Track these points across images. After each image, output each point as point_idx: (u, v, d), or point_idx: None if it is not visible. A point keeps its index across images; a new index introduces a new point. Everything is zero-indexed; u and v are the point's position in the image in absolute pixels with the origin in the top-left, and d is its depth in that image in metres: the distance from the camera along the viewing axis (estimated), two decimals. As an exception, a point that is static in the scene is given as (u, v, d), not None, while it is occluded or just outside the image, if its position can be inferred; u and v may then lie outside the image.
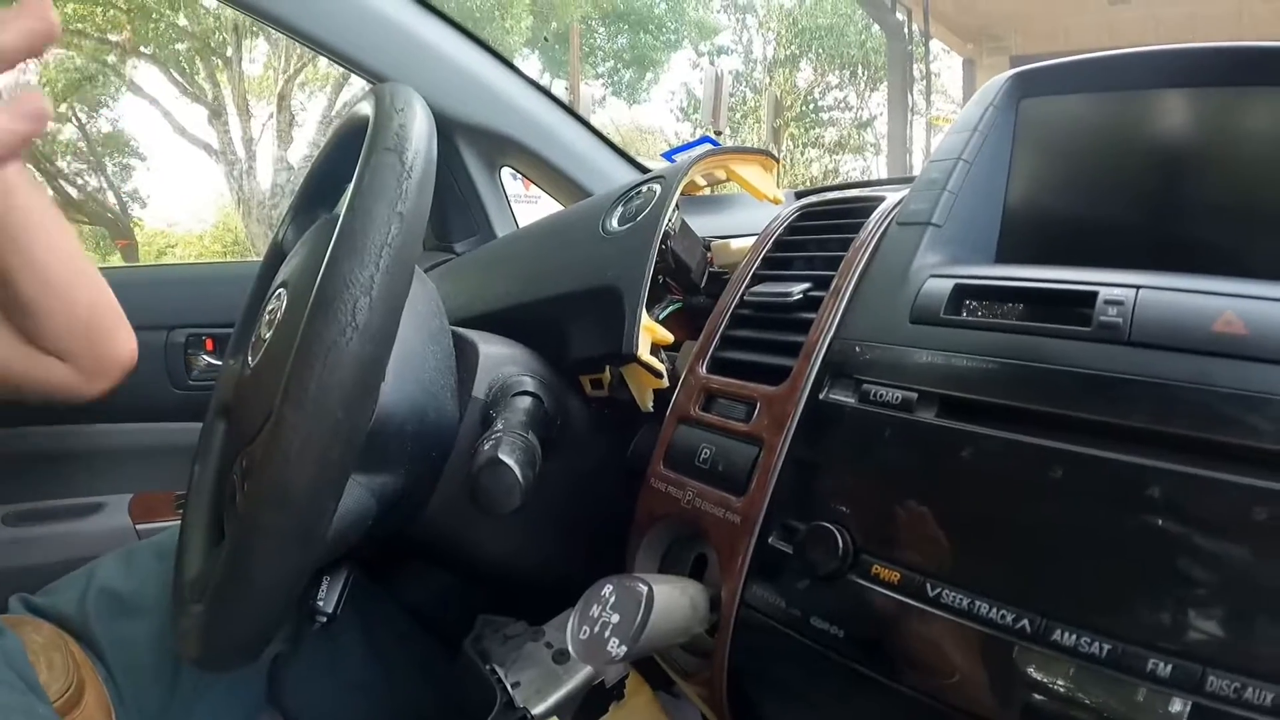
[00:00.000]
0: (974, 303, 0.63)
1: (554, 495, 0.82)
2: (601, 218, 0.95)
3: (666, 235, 0.88)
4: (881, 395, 0.62)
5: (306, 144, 15.41)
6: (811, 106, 18.07)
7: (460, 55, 1.64)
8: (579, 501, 0.88)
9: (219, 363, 1.64)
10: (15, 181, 0.91)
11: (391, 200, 0.61)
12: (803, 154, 17.62)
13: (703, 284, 0.94)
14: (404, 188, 0.62)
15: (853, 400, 0.64)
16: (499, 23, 14.54)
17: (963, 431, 0.58)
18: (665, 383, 0.81)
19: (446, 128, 1.66)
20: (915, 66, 11.77)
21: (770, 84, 17.30)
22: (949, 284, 0.64)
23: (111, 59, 15.56)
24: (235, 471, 0.74)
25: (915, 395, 0.61)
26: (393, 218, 0.61)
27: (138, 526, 1.58)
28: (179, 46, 15.36)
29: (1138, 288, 0.56)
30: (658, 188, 0.93)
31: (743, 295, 0.80)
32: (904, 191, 0.78)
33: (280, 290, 0.83)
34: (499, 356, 0.89)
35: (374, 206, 0.61)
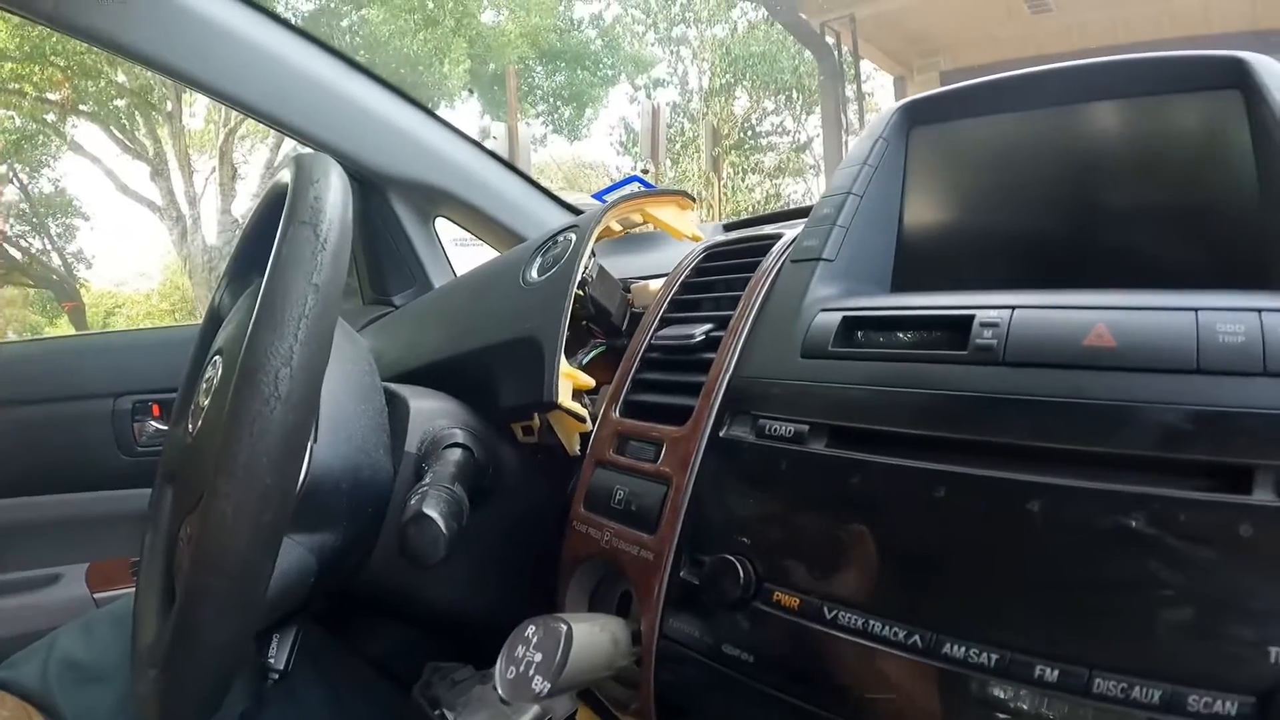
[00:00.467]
0: (862, 334, 0.66)
1: (493, 541, 0.84)
2: (522, 268, 0.97)
3: (584, 282, 0.91)
4: (776, 429, 0.66)
5: (250, 196, 15.30)
6: (750, 133, 18.16)
7: (389, 111, 1.68)
8: (518, 545, 0.90)
9: (166, 428, 1.65)
10: None
11: (307, 272, 0.64)
12: (744, 180, 17.67)
13: (624, 327, 0.97)
14: (319, 260, 0.65)
15: (750, 436, 0.68)
16: (438, 67, 14.55)
17: (851, 460, 0.61)
18: (589, 426, 0.83)
19: (379, 183, 1.69)
20: (848, 87, 11.91)
21: (707, 113, 17.37)
22: (837, 317, 0.67)
23: (51, 118, 15.40)
24: (181, 537, 0.76)
25: (807, 428, 0.64)
26: (309, 289, 0.63)
27: (95, 595, 1.60)
28: (118, 103, 15.23)
29: (1013, 308, 0.60)
30: (573, 236, 0.94)
31: (651, 338, 0.83)
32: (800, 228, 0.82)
33: (216, 358, 0.85)
34: (430, 410, 0.91)
35: (290, 279, 0.63)
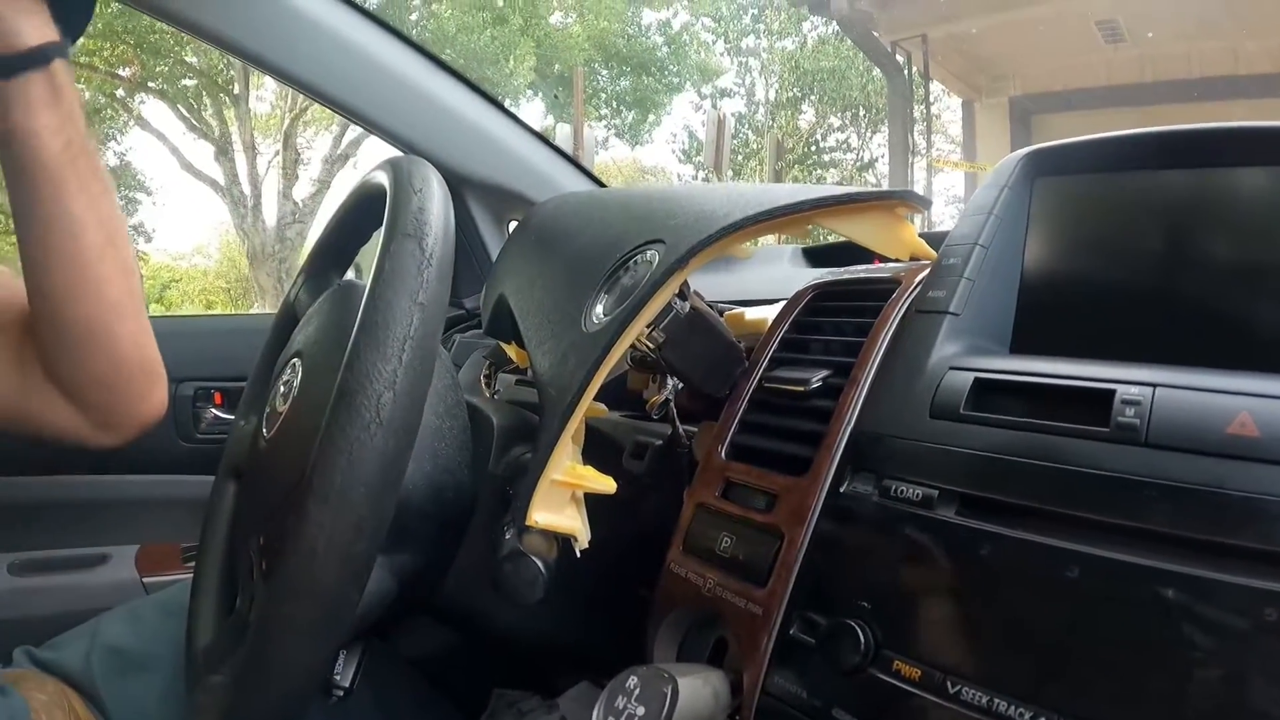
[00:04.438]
0: (995, 398, 0.63)
1: (575, 573, 0.82)
2: (589, 299, 0.79)
3: (659, 338, 0.77)
4: (902, 491, 0.63)
5: (311, 181, 15.53)
6: (814, 149, 18.19)
7: (469, 110, 1.68)
8: (600, 579, 0.86)
9: (228, 417, 1.65)
10: (70, 168, 0.84)
11: (412, 290, 0.62)
12: (805, 196, 17.71)
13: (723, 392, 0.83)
14: (424, 276, 0.63)
15: (873, 495, 0.65)
16: (503, 64, 14.67)
17: (982, 531, 0.58)
18: (584, 540, 0.73)
19: (456, 184, 1.68)
20: (916, 108, 11.87)
21: (773, 126, 17.39)
22: (969, 378, 0.65)
23: (120, 93, 15.70)
24: (252, 547, 0.74)
25: (936, 493, 0.61)
26: (414, 309, 0.61)
27: (144, 579, 1.60)
28: (187, 83, 15.51)
29: (1154, 386, 0.57)
30: (655, 256, 0.75)
31: (761, 378, 0.80)
32: (921, 271, 0.79)
33: (295, 360, 0.84)
34: (514, 430, 0.89)
35: (394, 297, 0.61)
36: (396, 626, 1.13)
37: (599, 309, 0.77)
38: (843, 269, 0.90)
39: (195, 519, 1.48)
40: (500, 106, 1.73)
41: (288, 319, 1.00)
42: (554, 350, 0.78)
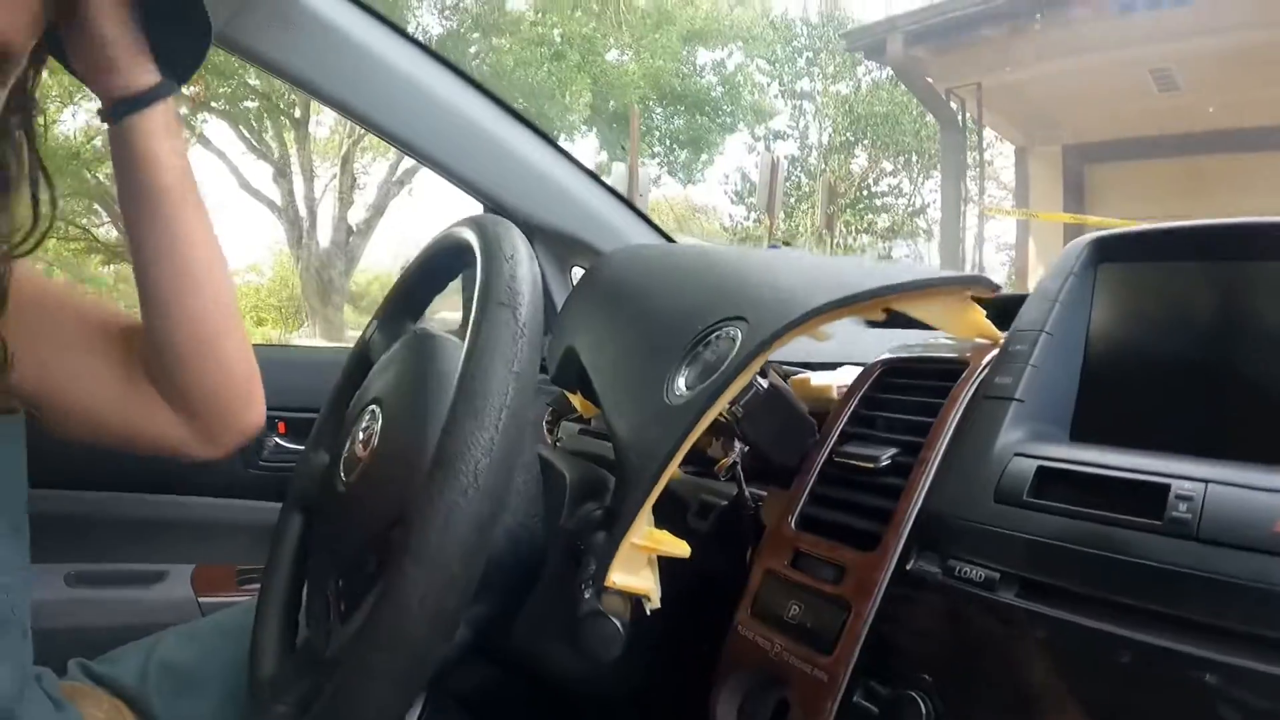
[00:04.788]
0: (1057, 487, 0.66)
1: (642, 627, 0.84)
2: (671, 370, 0.81)
3: (739, 412, 0.83)
4: (966, 572, 0.66)
5: (365, 207, 15.71)
6: (866, 193, 18.09)
7: (538, 157, 1.71)
8: (663, 634, 0.87)
9: (290, 445, 1.69)
10: (184, 191, 0.90)
11: (508, 359, 0.65)
12: (855, 240, 17.62)
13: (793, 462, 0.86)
14: (519, 346, 0.66)
15: (938, 573, 0.68)
16: (559, 99, 14.80)
17: (1040, 614, 0.61)
18: (654, 599, 0.76)
19: (524, 231, 1.72)
20: (968, 154, 11.83)
21: (825, 170, 17.34)
22: (1032, 465, 0.68)
23: (184, 111, 15.98)
24: (329, 587, 0.78)
25: (998, 575, 0.64)
26: (510, 378, 0.64)
27: (200, 599, 1.62)
28: (249, 104, 15.76)
29: (1207, 482, 0.60)
30: (738, 334, 0.78)
31: (831, 453, 0.83)
32: (987, 352, 0.82)
33: (374, 407, 0.86)
34: (585, 485, 0.93)
35: (491, 366, 0.64)
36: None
37: (681, 382, 0.79)
38: (909, 341, 0.93)
39: (253, 543, 1.51)
40: (567, 154, 1.76)
41: (361, 360, 1.02)
42: (635, 417, 0.82)
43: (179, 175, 0.88)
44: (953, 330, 0.84)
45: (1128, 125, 9.90)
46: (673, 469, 0.73)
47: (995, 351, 0.82)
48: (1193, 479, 0.60)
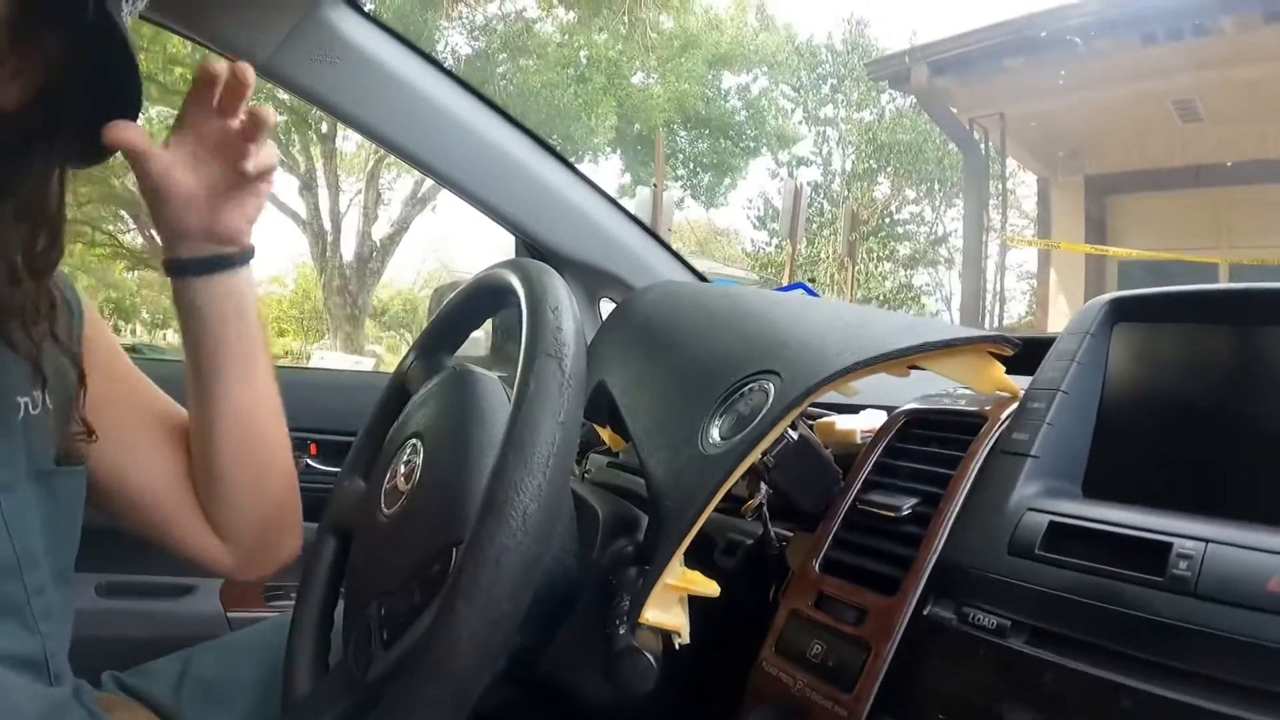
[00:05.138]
0: (1066, 542, 0.70)
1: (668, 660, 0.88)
2: (705, 421, 0.87)
3: (768, 463, 0.87)
4: (979, 619, 0.70)
5: (389, 222, 15.82)
6: (888, 220, 18.14)
7: (568, 191, 1.76)
8: (687, 668, 0.89)
9: (320, 467, 1.74)
10: (248, 351, 0.93)
11: (555, 410, 0.68)
12: (877, 267, 17.63)
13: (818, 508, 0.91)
14: (564, 396, 0.69)
15: (953, 619, 0.72)
16: (585, 121, 14.88)
17: (1048, 661, 0.65)
18: (684, 634, 0.80)
19: (554, 263, 1.76)
20: (991, 184, 11.81)
21: (848, 197, 17.35)
22: (1044, 521, 0.72)
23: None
24: (370, 612, 0.80)
25: (1009, 623, 0.68)
26: (556, 428, 0.67)
27: (228, 614, 1.65)
28: (277, 118, 15.88)
29: (1207, 541, 0.63)
30: (771, 389, 0.83)
31: (855, 501, 0.87)
32: (1004, 406, 0.86)
33: (415, 441, 0.89)
34: (616, 521, 0.95)
35: (539, 417, 0.67)
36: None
37: (715, 432, 0.85)
38: (930, 391, 0.97)
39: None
40: (597, 188, 1.82)
41: (398, 390, 1.05)
42: (670, 463, 0.87)
43: (254, 334, 0.92)
44: (974, 385, 0.88)
45: (1150, 156, 9.86)
46: (707, 515, 0.78)
47: (1014, 406, 0.85)
48: (1194, 538, 0.64)
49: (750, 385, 0.86)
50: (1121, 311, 0.86)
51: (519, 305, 0.79)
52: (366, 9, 1.55)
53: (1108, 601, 0.65)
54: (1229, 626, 0.59)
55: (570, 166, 1.78)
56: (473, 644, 0.63)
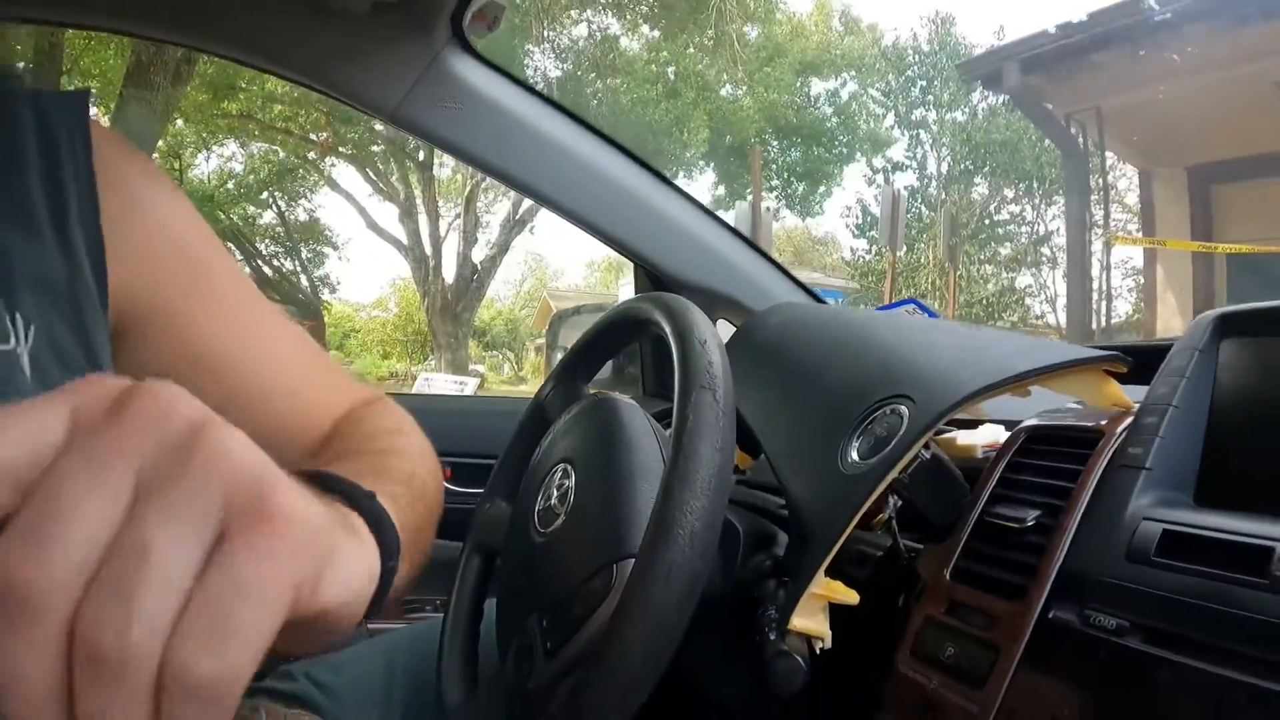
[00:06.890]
0: (1178, 548, 0.76)
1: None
2: (843, 442, 0.95)
3: (901, 481, 0.92)
4: (1099, 621, 0.77)
5: (488, 244, 16.11)
6: (987, 222, 17.93)
7: (684, 217, 1.86)
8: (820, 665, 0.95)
9: (456, 489, 1.83)
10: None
11: (713, 440, 0.74)
12: (979, 271, 17.42)
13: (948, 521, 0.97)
14: (720, 425, 0.75)
15: (1076, 622, 0.79)
16: (677, 136, 14.97)
17: (1163, 659, 0.72)
18: (826, 640, 0.87)
19: (674, 288, 1.83)
20: (1091, 179, 11.59)
21: (946, 200, 17.10)
22: (1158, 529, 0.78)
23: (312, 155, 16.64)
24: (530, 624, 0.87)
25: (1127, 624, 0.75)
26: (715, 455, 0.73)
27: (367, 625, 1.76)
28: (375, 149, 16.33)
29: None
30: (905, 411, 0.91)
31: (982, 513, 0.94)
32: (1120, 421, 0.92)
33: (565, 465, 0.95)
34: (756, 538, 1.02)
35: (701, 446, 0.73)
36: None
37: (854, 453, 0.92)
38: (1047, 407, 1.03)
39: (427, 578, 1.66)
40: (710, 213, 1.90)
41: (538, 417, 1.12)
42: (811, 484, 0.95)
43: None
44: (1090, 401, 0.96)
45: (1252, 142, 9.52)
46: (850, 530, 0.86)
47: (1128, 420, 0.92)
48: (1293, 543, 0.70)
49: (885, 409, 0.94)
50: (1229, 326, 0.92)
51: (664, 338, 0.85)
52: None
53: (1217, 602, 0.70)
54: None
55: (681, 191, 1.87)
56: (647, 660, 0.69)
